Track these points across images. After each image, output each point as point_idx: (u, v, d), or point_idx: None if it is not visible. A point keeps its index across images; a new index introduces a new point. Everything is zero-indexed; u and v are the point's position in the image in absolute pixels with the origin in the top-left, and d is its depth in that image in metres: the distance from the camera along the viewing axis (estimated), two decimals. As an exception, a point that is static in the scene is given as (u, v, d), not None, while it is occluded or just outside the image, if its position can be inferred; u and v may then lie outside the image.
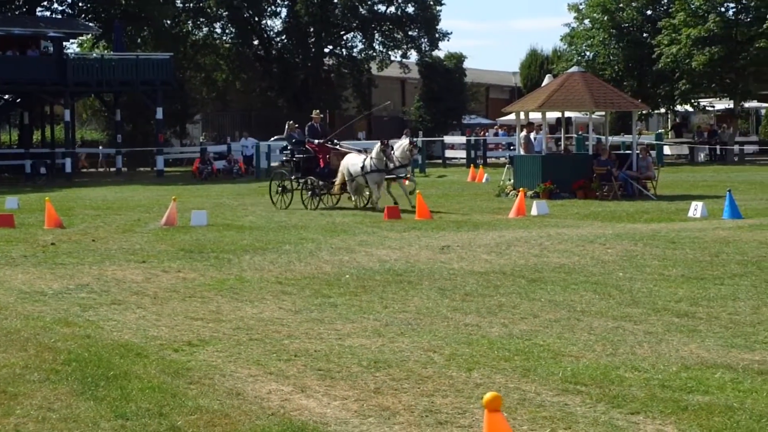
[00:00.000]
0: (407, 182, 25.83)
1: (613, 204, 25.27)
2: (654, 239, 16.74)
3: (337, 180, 25.10)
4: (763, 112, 61.41)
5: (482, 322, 10.22)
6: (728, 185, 25.99)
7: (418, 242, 16.98)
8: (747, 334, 9.36)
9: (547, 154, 30.38)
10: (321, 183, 25.49)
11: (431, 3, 63.24)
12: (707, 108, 58.75)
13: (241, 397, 7.60)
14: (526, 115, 32.87)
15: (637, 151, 29.46)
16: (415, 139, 27.08)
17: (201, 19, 62.94)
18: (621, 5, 56.46)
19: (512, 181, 29.62)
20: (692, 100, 56.70)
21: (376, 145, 24.70)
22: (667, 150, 52.77)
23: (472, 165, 44.89)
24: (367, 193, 25.37)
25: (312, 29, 62.50)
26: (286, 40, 64.26)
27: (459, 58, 65.27)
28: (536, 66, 71.75)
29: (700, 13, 53.53)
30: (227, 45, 64.21)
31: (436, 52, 64.39)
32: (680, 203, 24.28)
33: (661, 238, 16.92)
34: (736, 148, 54.21)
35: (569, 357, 8.58)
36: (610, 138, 33.58)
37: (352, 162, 24.73)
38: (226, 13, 62.21)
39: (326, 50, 64.31)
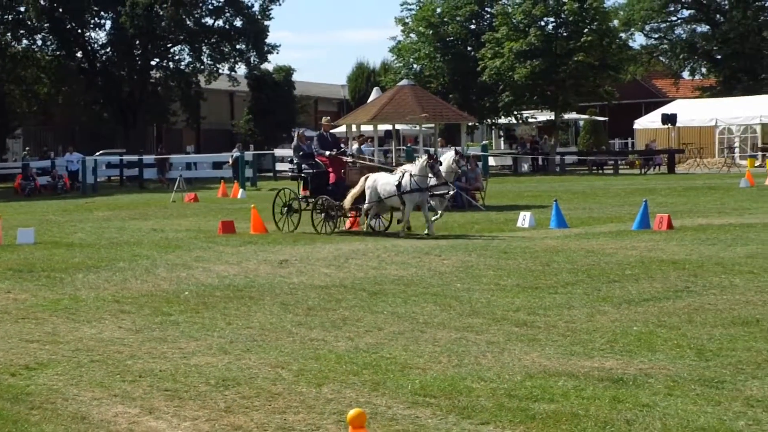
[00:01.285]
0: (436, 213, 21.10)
1: (445, 215, 25.66)
2: (487, 249, 17.10)
3: (349, 195, 21.06)
4: (581, 123, 63.59)
5: (328, 336, 10.24)
6: (552, 195, 26.80)
7: (255, 257, 16.87)
8: (584, 341, 9.66)
9: (378, 167, 30.64)
10: (336, 203, 21.39)
11: (259, 17, 63.05)
12: (529, 120, 60.50)
13: (87, 421, 7.40)
14: (358, 127, 33.12)
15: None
16: (463, 148, 22.88)
17: (21, 31, 60.98)
18: (445, 19, 57.59)
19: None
20: (515, 112, 58.27)
21: (420, 160, 20.83)
22: (491, 161, 54.06)
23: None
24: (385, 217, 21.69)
25: (138, 42, 61.38)
26: (111, 53, 62.89)
27: (288, 71, 65.31)
28: (364, 79, 72.45)
29: (522, 28, 55.13)
30: (49, 57, 62.40)
31: (264, 65, 64.24)
32: (509, 213, 24.87)
33: (493, 248, 17.30)
34: (557, 158, 55.97)
35: (417, 369, 8.68)
36: (439, 150, 34.13)
37: (384, 181, 20.75)
38: (48, 24, 60.44)
39: (153, 63, 63.27)
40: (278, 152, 55.50)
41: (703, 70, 78.72)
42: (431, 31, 56.89)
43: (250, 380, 8.43)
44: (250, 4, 63.10)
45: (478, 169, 31.08)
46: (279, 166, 53.32)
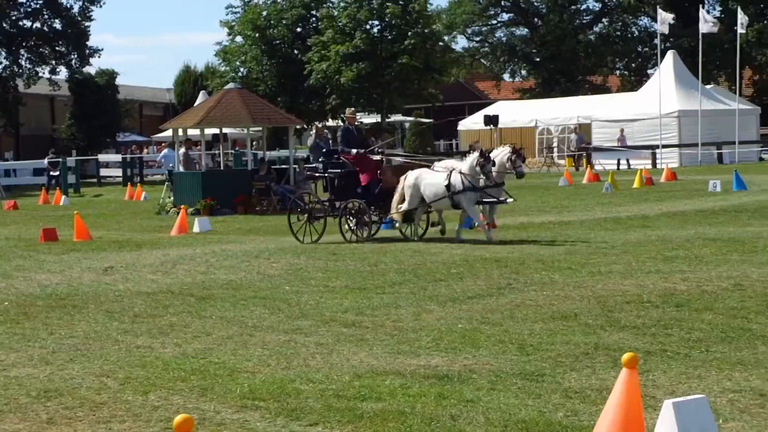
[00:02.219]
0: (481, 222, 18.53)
1: (273, 218, 25.67)
2: (316, 252, 17.17)
3: (395, 199, 18.61)
4: (407, 125, 64.50)
5: (155, 343, 10.10)
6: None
7: (79, 264, 16.47)
8: (411, 340, 9.82)
9: (207, 171, 30.41)
10: (371, 208, 18.92)
11: (79, 18, 61.53)
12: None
13: None
14: (184, 131, 32.72)
15: (295, 166, 30.11)
16: (520, 147, 19.22)
17: None
18: (272, 22, 57.47)
19: (172, 198, 29.38)
20: (342, 115, 58.64)
21: (470, 156, 18.30)
22: (321, 164, 54.22)
23: (129, 183, 44.08)
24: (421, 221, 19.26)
25: (-49, 44, 59.14)
26: None
27: (111, 75, 63.93)
28: (190, 82, 71.62)
29: (347, 31, 55.51)
30: None
31: (87, 69, 62.73)
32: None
33: (322, 250, 17.38)
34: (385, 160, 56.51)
35: (245, 373, 8.66)
36: (268, 153, 34.10)
37: (429, 180, 18.39)
38: None
39: (-33, 66, 61.03)
40: (102, 158, 54.33)
41: (523, 72, 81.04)
42: (257, 35, 56.67)
43: (73, 390, 8.24)
44: (69, 5, 61.55)
45: (304, 173, 31.16)
46: (103, 172, 52.23)
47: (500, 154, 18.38)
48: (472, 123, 59.36)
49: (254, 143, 39.90)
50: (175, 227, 22.25)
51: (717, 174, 33.89)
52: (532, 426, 6.85)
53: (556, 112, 55.87)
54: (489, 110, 58.08)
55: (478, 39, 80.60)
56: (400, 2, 55.59)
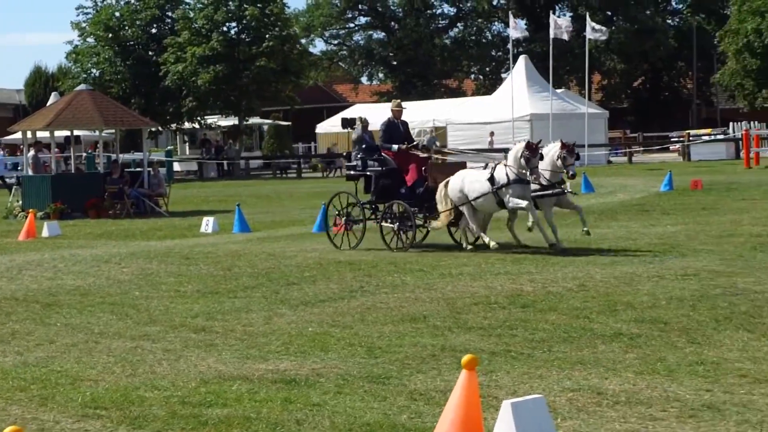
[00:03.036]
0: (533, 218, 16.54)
1: (127, 222, 25.23)
2: (168, 256, 16.95)
3: (442, 206, 16.57)
4: (265, 128, 64.26)
5: (-5, 352, 9.80)
6: (237, 199, 26.86)
7: None
8: (261, 344, 9.77)
9: (57, 174, 29.68)
10: (415, 210, 16.95)
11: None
12: (213, 125, 60.36)
13: None
14: (33, 134, 31.86)
15: (149, 168, 29.66)
16: (572, 143, 16.66)
17: None
18: (125, 23, 56.48)
19: (20, 202, 28.58)
20: (199, 117, 58.01)
21: (515, 148, 16.13)
22: (177, 166, 53.60)
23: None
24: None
25: None
26: None
27: (-44, 74, 61.84)
28: (41, 83, 69.76)
29: (204, 32, 54.96)
30: None
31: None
32: (192, 219, 24.75)
33: (175, 254, 17.16)
34: (242, 163, 56.25)
35: (88, 381, 8.48)
36: (121, 156, 33.50)
37: (472, 178, 16.29)
38: None
39: None
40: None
41: (381, 75, 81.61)
42: (110, 35, 55.59)
43: None
44: None
45: (160, 175, 30.74)
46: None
47: (550, 152, 16.27)
48: (330, 126, 59.42)
49: (110, 146, 39.15)
50: (23, 232, 21.65)
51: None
52: (377, 429, 6.90)
53: (413, 116, 56.09)
54: (347, 113, 58.30)
55: (336, 42, 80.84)
56: (258, 4, 55.33)
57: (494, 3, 78.00)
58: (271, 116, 63.93)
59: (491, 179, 15.92)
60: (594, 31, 49.76)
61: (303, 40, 69.64)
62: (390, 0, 78.66)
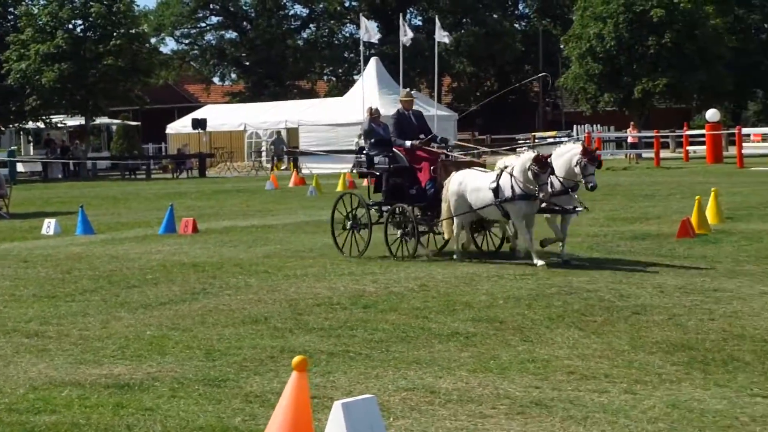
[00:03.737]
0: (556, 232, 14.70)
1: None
2: (5, 259, 16.47)
3: (444, 207, 15.01)
4: (114, 128, 63.05)
5: None
6: (82, 201, 26.29)
7: None
8: (96, 349, 9.57)
9: None
10: (419, 214, 15.54)
11: None
12: (59, 125, 58.91)
13: None
14: None
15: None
16: (595, 149, 15.08)
17: None
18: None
19: None
20: (44, 117, 56.53)
21: (523, 156, 14.23)
22: (21, 167, 52.11)
23: None
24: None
25: None
26: None
27: None
28: None
29: (48, 30, 53.58)
30: None
31: None
32: (34, 221, 24.08)
33: (12, 257, 16.69)
34: (89, 163, 55.05)
35: None
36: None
37: (475, 184, 14.62)
38: None
39: None
40: None
41: (233, 75, 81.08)
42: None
43: None
44: None
45: (1, 176, 29.82)
46: None
47: (567, 153, 14.34)
48: (181, 126, 58.73)
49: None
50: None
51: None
52: (209, 432, 6.85)
53: (265, 117, 56.20)
54: (198, 114, 57.70)
55: (187, 41, 79.95)
56: (105, 2, 54.25)
57: (346, 5, 78.41)
58: (120, 116, 62.76)
59: (496, 189, 14.21)
60: (441, 35, 50.46)
61: (153, 39, 68.59)
62: (242, 0, 78.19)
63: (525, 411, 7.07)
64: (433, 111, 51.08)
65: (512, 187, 13.97)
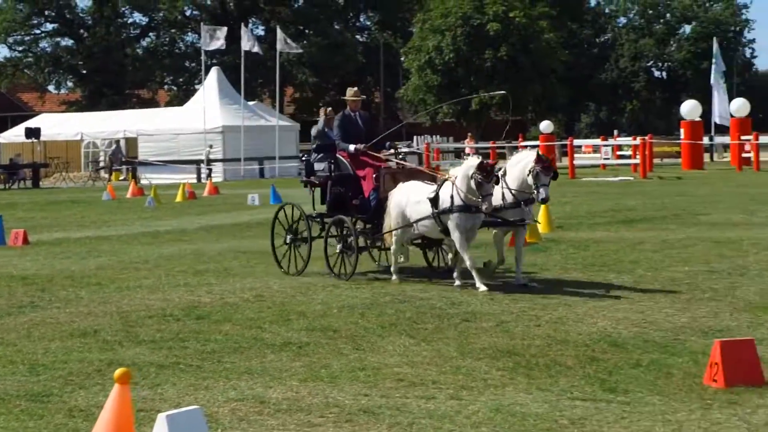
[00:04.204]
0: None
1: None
2: None
3: (386, 222, 13.60)
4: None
5: None
6: None
7: None
8: None
9: None
10: (365, 227, 14.17)
11: None
12: None
13: None
14: None
15: None
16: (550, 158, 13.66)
17: None
18: None
19: None
20: None
21: (467, 162, 12.75)
22: None
23: None
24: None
25: None
26: None
27: None
28: None
29: None
30: None
31: None
32: None
33: None
34: None
35: None
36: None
37: (416, 197, 13.13)
38: None
39: None
40: None
41: (69, 84, 79.17)
42: None
43: None
44: None
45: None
46: None
47: (522, 162, 12.95)
48: (13, 135, 56.95)
49: None
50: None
51: (257, 188, 34.99)
52: (30, 448, 6.67)
53: (102, 126, 55.03)
54: (32, 122, 56.11)
55: (21, 48, 77.64)
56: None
57: (187, 13, 77.59)
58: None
59: (435, 199, 12.82)
60: (286, 45, 50.41)
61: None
62: (78, 6, 76.50)
63: (353, 419, 7.13)
64: (275, 122, 51.04)
65: (452, 196, 12.55)
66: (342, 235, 14.05)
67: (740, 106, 42.73)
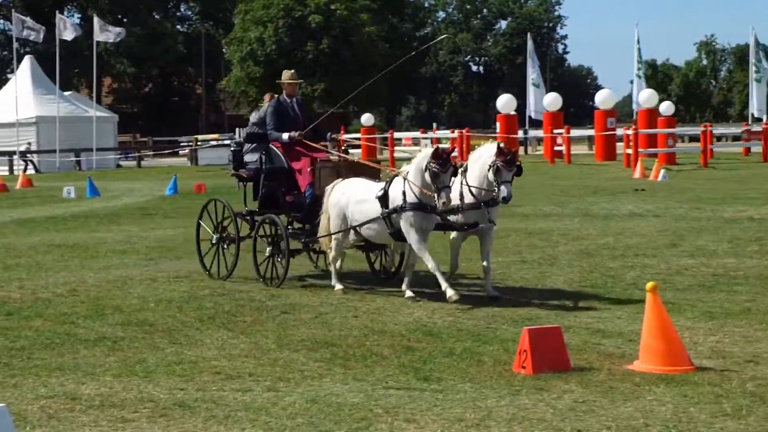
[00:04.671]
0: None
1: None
2: None
3: (321, 222, 12.12)
4: None
5: None
6: None
7: None
8: None
9: None
10: (295, 228, 12.96)
11: None
12: None
13: None
14: None
15: None
16: (514, 150, 11.96)
17: None
18: None
19: None
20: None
21: (420, 153, 11.35)
22: None
23: None
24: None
25: None
26: None
27: None
28: None
29: None
30: None
31: None
32: None
33: None
34: None
35: None
36: None
37: (359, 195, 11.72)
38: None
39: None
40: None
41: None
42: None
43: None
44: None
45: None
46: None
47: (481, 156, 11.45)
48: None
49: None
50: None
51: (74, 180, 34.08)
52: None
53: None
54: None
55: None
56: None
57: (-1, -1, 74.96)
58: None
59: (384, 197, 11.40)
60: (106, 32, 49.18)
61: None
62: None
63: (168, 413, 7.06)
64: (92, 112, 49.81)
65: (404, 193, 11.13)
66: (273, 235, 12.57)
67: (553, 100, 44.05)
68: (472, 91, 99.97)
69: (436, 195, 10.79)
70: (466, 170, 11.41)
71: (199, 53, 77.25)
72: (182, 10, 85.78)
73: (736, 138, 54.71)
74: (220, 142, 54.31)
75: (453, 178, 10.97)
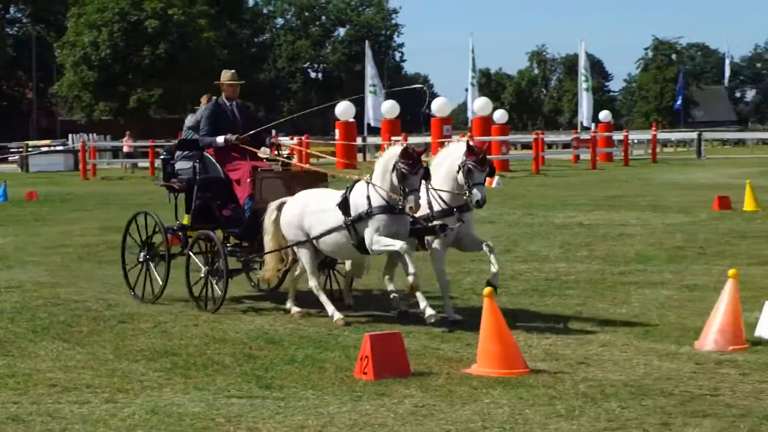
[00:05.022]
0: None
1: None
2: None
3: (269, 240, 10.84)
4: None
5: None
6: None
7: None
8: None
9: None
10: (234, 247, 11.52)
11: None
12: None
13: None
14: None
15: None
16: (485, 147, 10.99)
17: None
18: None
19: None
20: None
21: (386, 153, 10.13)
22: None
23: None
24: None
25: None
26: None
27: None
28: None
29: None
30: None
31: None
32: None
33: None
34: None
35: None
36: None
37: (318, 205, 10.49)
38: None
39: None
40: None
41: None
42: None
43: None
44: None
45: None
46: None
47: (450, 156, 10.41)
48: None
49: None
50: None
51: None
52: None
53: None
54: None
55: None
56: None
57: None
58: None
59: (344, 204, 10.28)
60: None
61: None
62: None
63: (1, 428, 6.86)
64: None
65: (369, 197, 10.04)
66: (208, 253, 11.34)
67: (390, 107, 44.49)
68: (311, 98, 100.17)
69: (403, 199, 9.74)
70: (428, 174, 10.06)
71: (30, 57, 75.06)
72: (12, 12, 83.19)
73: (566, 145, 56.44)
74: (52, 148, 52.87)
75: (423, 182, 9.91)
